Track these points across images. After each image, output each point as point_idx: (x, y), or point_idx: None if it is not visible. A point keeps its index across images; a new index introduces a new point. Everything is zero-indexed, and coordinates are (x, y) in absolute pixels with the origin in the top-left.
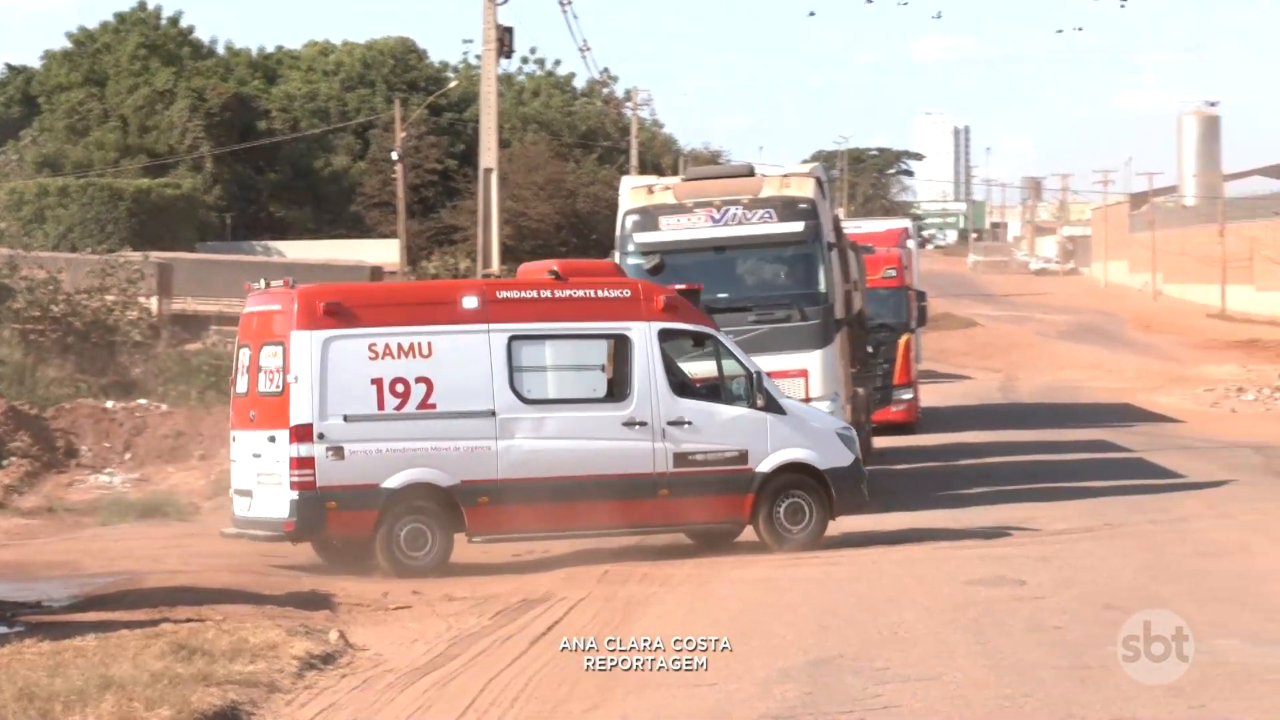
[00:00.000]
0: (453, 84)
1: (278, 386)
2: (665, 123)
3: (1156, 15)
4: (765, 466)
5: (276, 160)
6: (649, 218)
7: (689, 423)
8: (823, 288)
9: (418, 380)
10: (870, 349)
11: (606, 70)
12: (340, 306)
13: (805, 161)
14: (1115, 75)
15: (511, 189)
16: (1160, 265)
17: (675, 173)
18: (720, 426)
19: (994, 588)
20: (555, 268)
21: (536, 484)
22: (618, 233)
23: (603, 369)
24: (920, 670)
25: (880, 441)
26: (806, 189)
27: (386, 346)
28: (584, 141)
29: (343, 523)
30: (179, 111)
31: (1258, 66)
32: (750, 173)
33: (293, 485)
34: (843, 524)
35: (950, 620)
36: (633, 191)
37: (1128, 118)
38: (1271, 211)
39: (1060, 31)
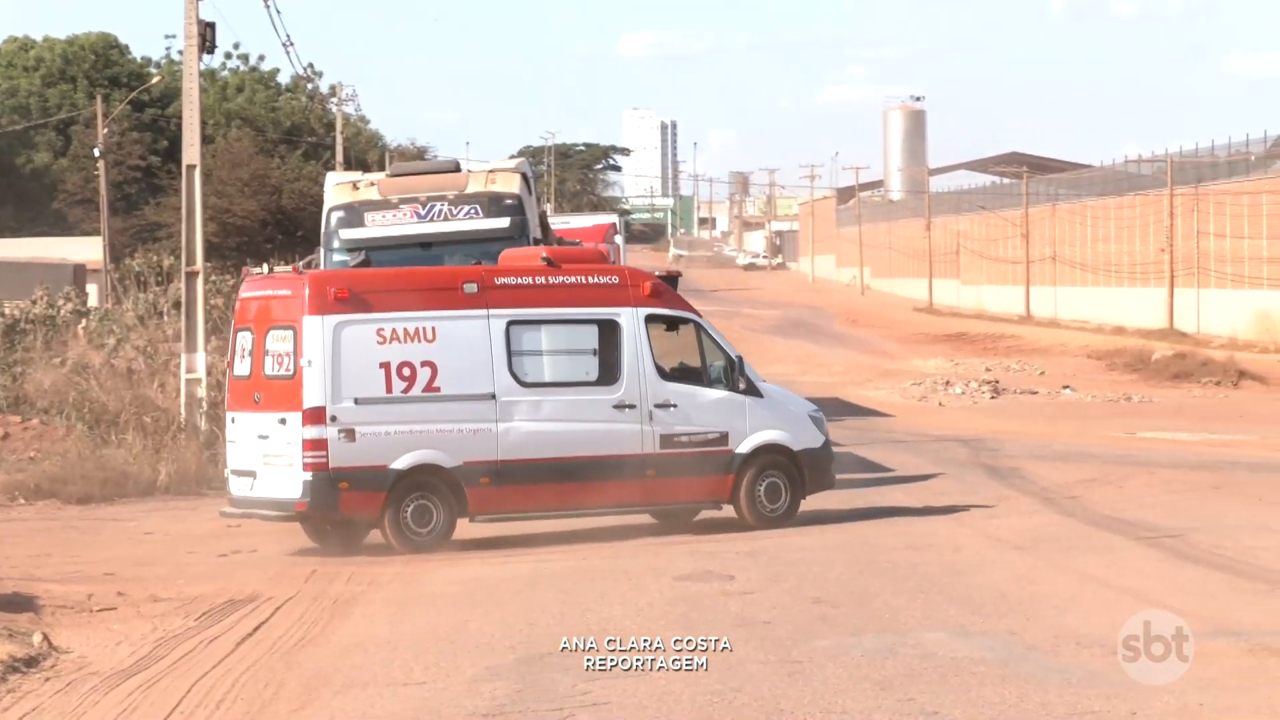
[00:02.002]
0: (155, 80)
1: (288, 370)
2: (371, 118)
3: (862, 8)
4: (744, 448)
5: None
6: (354, 214)
7: (674, 405)
8: None
9: (423, 364)
10: None
11: (311, 65)
12: (350, 292)
13: (512, 157)
14: (822, 69)
15: (216, 185)
16: (867, 260)
17: (381, 169)
18: (702, 409)
19: (703, 583)
20: (546, 254)
21: (534, 465)
22: (323, 229)
23: (594, 353)
24: (630, 667)
25: None
26: (512, 185)
27: (394, 331)
28: (289, 137)
29: (353, 503)
30: None
31: (962, 60)
32: (456, 168)
33: (306, 466)
34: (550, 522)
35: (659, 616)
36: (337, 188)
37: (834, 112)
38: (977, 205)
39: None
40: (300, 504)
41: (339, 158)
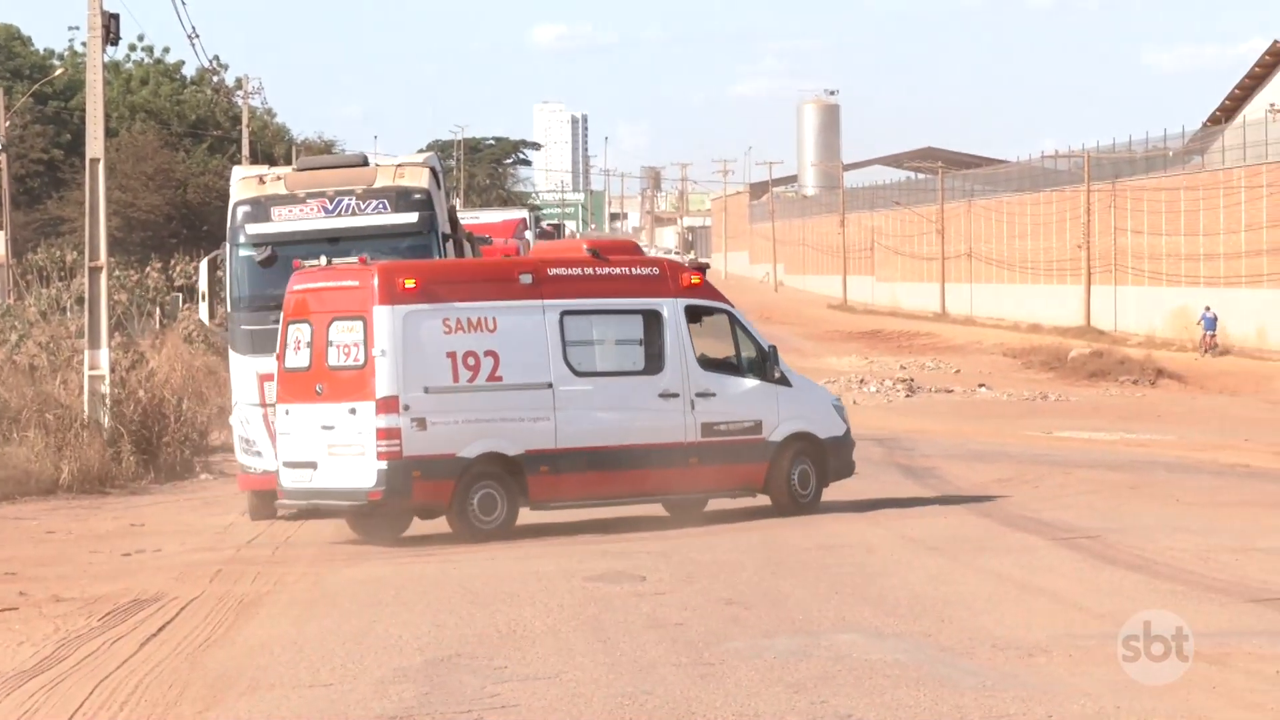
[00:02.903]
0: (58, 72)
1: (357, 360)
2: (278, 111)
3: (775, 1)
4: (777, 436)
5: None
6: (260, 208)
7: (713, 394)
8: None
9: (486, 354)
10: None
11: (217, 58)
12: (417, 282)
13: (421, 151)
14: (736, 63)
15: (120, 179)
16: (781, 256)
17: (288, 162)
18: (739, 398)
19: (614, 584)
20: (589, 245)
21: (588, 453)
22: (229, 224)
23: (639, 343)
24: (539, 669)
25: None
26: (421, 179)
27: (459, 321)
28: (194, 131)
29: (425, 491)
30: None
31: (876, 54)
32: (364, 162)
33: (380, 455)
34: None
35: (570, 618)
36: (243, 182)
37: (747, 106)
38: (891, 201)
39: None
40: (374, 493)
41: (245, 151)
